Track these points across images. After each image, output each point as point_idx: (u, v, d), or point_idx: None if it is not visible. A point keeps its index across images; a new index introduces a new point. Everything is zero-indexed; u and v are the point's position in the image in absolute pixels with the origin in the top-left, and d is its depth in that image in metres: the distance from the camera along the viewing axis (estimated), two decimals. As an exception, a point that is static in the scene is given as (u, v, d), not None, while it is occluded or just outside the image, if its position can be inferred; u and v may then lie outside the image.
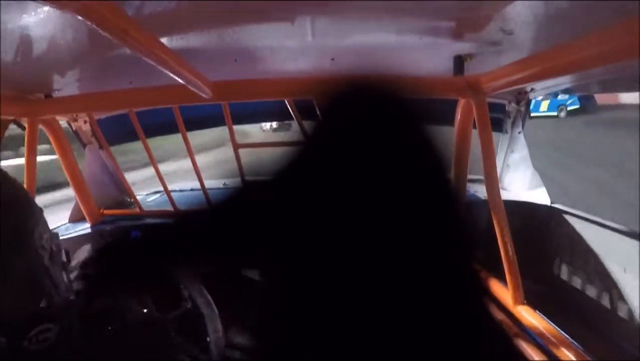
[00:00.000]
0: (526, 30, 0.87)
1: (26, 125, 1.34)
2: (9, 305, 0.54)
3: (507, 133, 1.76)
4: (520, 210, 1.51)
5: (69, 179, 1.64)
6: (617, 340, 1.21)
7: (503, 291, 1.21)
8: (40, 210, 0.63)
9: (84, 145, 1.86)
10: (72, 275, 1.04)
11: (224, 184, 2.07)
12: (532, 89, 1.56)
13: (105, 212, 1.81)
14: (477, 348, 0.46)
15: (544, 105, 12.00)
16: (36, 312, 0.56)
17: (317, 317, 0.46)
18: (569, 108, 12.16)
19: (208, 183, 1.78)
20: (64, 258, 0.66)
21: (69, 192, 1.67)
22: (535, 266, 1.50)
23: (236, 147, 1.57)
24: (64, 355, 0.59)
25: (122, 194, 2.04)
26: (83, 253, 1.12)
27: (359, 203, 0.44)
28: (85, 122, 1.76)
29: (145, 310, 1.18)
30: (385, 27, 0.90)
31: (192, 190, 2.08)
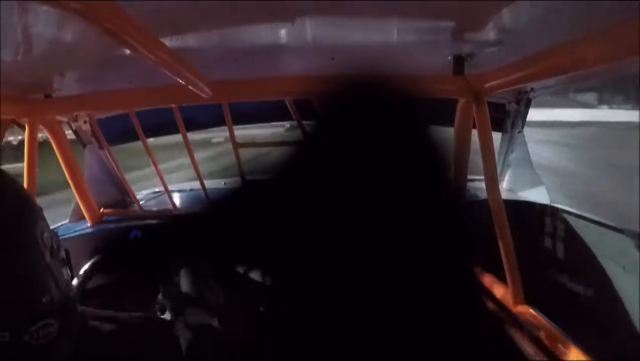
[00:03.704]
0: (526, 30, 0.87)
1: (26, 125, 1.34)
2: (11, 299, 0.54)
3: (507, 133, 1.76)
4: (520, 210, 1.51)
5: (69, 179, 1.65)
6: (617, 340, 1.21)
7: (503, 291, 1.21)
8: (40, 209, 0.64)
9: (84, 145, 1.87)
10: (75, 275, 1.05)
11: (224, 184, 2.07)
12: (532, 89, 1.56)
13: (105, 211, 1.81)
14: (477, 348, 0.46)
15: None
16: (38, 307, 0.57)
17: (317, 316, 0.46)
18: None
19: (208, 183, 1.78)
20: (63, 255, 0.66)
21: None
22: (535, 266, 1.50)
23: (236, 146, 1.57)
24: (65, 352, 0.59)
25: (122, 194, 2.04)
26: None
27: (358, 203, 0.44)
28: (85, 122, 1.76)
29: (144, 309, 1.18)
30: (385, 27, 0.90)
31: (191, 190, 2.08)
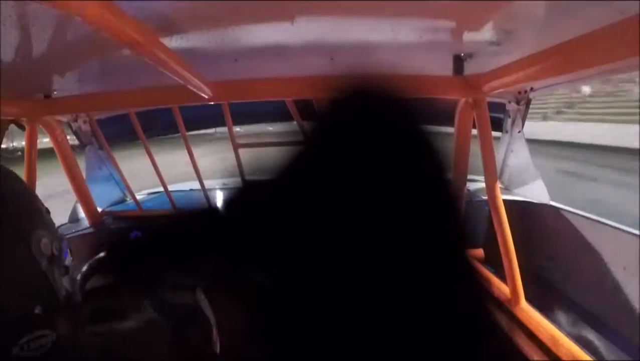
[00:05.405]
0: (526, 30, 0.87)
1: (26, 125, 1.34)
2: None
3: (507, 133, 1.76)
4: (520, 209, 1.51)
5: (69, 179, 1.65)
6: (617, 339, 1.21)
7: (503, 291, 1.22)
8: (47, 211, 0.60)
9: (84, 145, 1.87)
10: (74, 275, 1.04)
11: (224, 184, 2.07)
12: (532, 88, 1.56)
13: (105, 211, 1.81)
14: (476, 348, 0.46)
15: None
16: (29, 318, 0.53)
17: (317, 315, 0.46)
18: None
19: (208, 183, 1.78)
20: (67, 263, 0.63)
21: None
22: (535, 265, 1.50)
23: (236, 146, 1.57)
24: None
25: (122, 194, 2.04)
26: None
27: (358, 203, 0.44)
28: (85, 122, 1.76)
29: (144, 311, 1.18)
30: (385, 27, 0.90)
31: (191, 190, 2.08)
